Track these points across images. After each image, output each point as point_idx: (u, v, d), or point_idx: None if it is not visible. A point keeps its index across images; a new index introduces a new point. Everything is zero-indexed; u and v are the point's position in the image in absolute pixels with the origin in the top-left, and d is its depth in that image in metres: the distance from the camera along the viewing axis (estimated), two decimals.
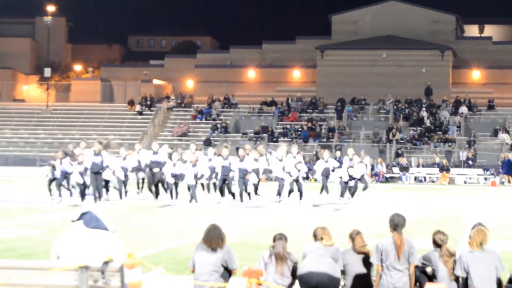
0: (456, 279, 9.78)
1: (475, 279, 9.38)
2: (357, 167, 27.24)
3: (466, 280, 9.54)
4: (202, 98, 61.42)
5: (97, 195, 25.06)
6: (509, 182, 43.30)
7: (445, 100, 57.03)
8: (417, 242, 10.35)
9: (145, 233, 18.00)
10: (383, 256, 9.76)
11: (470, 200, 29.67)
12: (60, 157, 26.18)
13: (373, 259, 9.88)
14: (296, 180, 26.60)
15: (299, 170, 26.41)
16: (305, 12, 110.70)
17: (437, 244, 10.03)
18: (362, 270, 10.00)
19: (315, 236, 10.08)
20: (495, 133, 52.77)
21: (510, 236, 17.24)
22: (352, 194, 27.53)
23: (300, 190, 26.68)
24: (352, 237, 10.20)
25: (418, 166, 47.29)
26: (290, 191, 26.66)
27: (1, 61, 77.05)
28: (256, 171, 26.38)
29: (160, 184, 26.84)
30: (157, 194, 27.01)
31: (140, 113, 60.23)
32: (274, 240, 9.93)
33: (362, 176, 27.74)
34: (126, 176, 26.81)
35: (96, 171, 25.07)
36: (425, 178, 45.99)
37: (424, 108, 56.21)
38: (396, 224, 9.80)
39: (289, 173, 26.28)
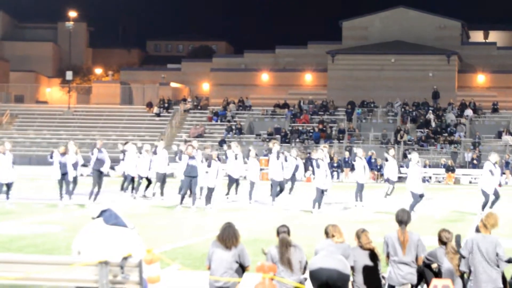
0: (461, 275, 10.02)
1: (477, 257, 9.52)
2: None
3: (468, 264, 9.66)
4: (217, 101, 62.30)
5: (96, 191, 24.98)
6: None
7: (451, 103, 57.67)
8: (423, 239, 10.49)
9: (162, 230, 18.39)
10: (390, 249, 10.14)
11: (475, 200, 28.95)
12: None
13: (384, 252, 10.24)
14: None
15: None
16: (316, 18, 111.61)
17: (442, 242, 10.34)
18: (370, 265, 10.20)
19: (326, 233, 10.24)
20: (499, 135, 53.57)
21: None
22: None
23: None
24: (358, 235, 10.39)
25: (424, 166, 46.49)
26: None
27: (25, 64, 78.17)
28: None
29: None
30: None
31: (158, 114, 61.06)
32: (278, 233, 10.07)
33: None
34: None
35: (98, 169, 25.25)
36: (431, 178, 46.24)
37: (430, 111, 56.86)
38: (400, 220, 10.15)
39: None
